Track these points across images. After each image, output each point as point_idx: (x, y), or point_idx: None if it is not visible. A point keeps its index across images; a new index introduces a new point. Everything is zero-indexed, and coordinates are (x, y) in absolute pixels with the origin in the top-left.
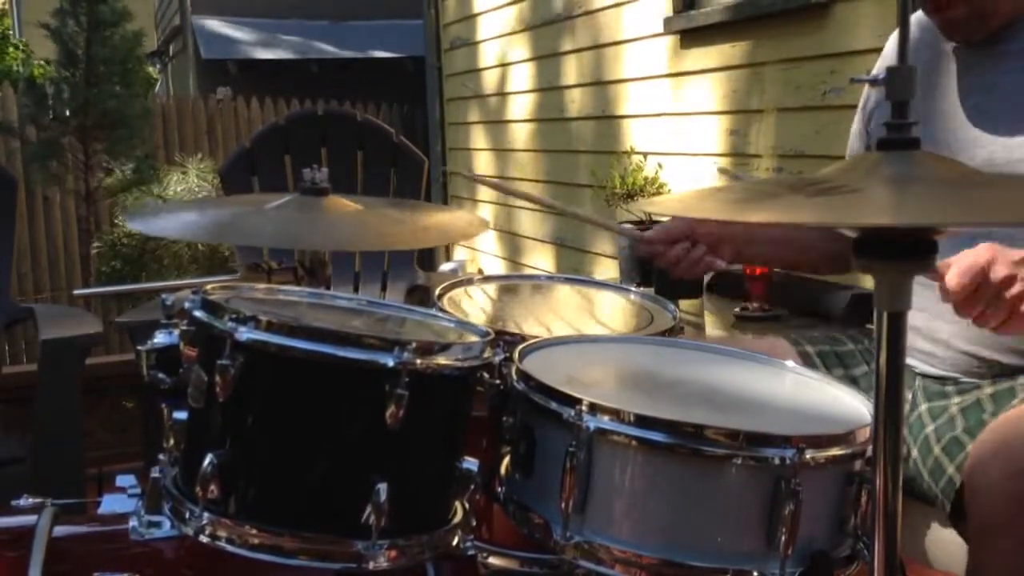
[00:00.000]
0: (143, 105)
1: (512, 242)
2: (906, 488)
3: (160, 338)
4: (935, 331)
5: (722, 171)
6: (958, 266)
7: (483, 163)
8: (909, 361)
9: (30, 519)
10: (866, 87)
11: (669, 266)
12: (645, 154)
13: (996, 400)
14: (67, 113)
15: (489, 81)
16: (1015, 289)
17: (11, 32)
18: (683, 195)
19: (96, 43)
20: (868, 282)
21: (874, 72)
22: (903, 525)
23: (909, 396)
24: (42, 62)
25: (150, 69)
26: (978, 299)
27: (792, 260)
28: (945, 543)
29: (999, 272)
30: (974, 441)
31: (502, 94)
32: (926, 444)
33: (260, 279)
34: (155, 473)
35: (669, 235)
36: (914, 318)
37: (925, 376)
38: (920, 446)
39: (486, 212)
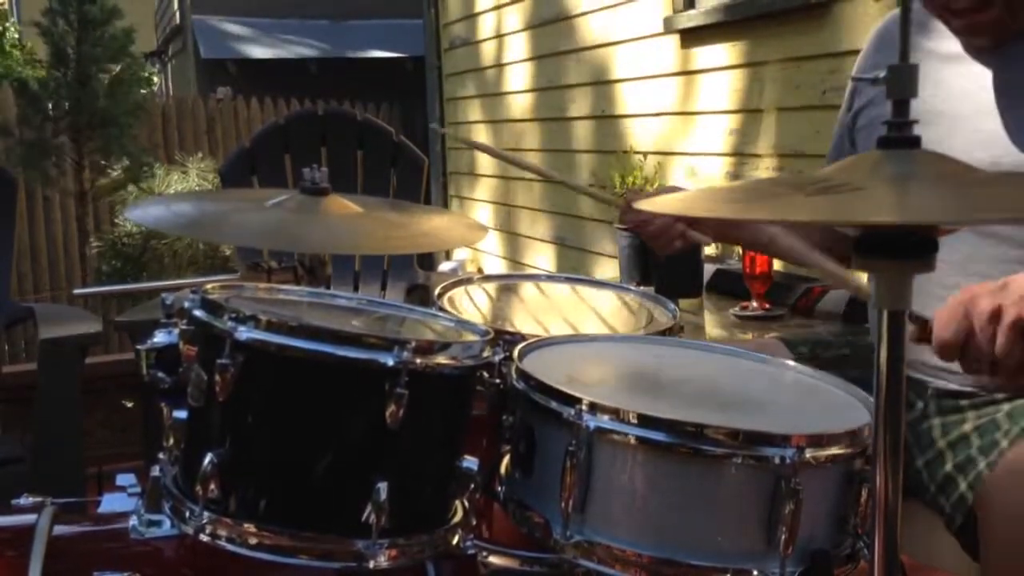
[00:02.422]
0: (135, 102)
1: (512, 241)
2: (910, 491)
3: (160, 337)
4: None
5: None
6: (938, 319)
7: (483, 161)
8: (922, 377)
9: (30, 518)
10: (853, 83)
11: (652, 238)
12: (645, 153)
13: (1012, 417)
14: (61, 112)
15: (489, 80)
16: (1008, 317)
17: (13, 33)
18: (683, 194)
19: (86, 42)
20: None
21: (855, 68)
22: (904, 525)
23: (920, 406)
24: (36, 62)
25: (148, 68)
26: (977, 347)
27: (771, 245)
28: (946, 544)
29: (982, 306)
30: (987, 461)
31: (502, 93)
32: (939, 460)
33: (260, 279)
34: (155, 472)
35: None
36: None
37: (939, 391)
38: (930, 458)
39: (486, 211)
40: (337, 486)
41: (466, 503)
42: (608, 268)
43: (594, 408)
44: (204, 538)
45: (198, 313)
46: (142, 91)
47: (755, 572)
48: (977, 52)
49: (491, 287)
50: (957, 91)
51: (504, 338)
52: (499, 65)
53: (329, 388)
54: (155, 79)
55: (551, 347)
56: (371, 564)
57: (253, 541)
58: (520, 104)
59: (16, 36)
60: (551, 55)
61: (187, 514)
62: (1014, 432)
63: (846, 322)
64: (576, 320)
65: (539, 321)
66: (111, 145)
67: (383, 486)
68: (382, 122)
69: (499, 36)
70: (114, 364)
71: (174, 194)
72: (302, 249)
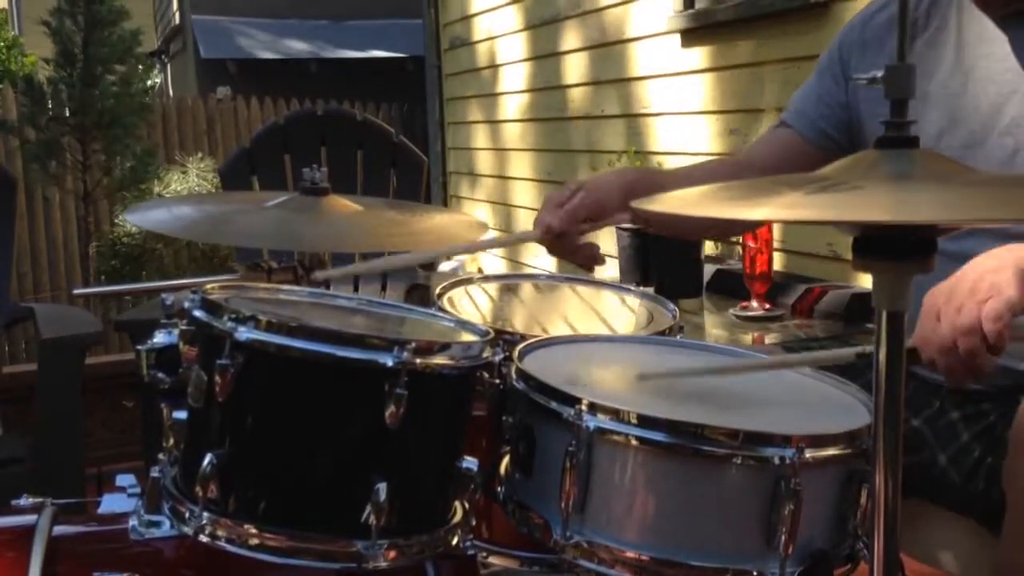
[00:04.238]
0: (140, 103)
1: None
2: (932, 494)
3: (160, 338)
4: None
5: None
6: (919, 340)
7: (483, 162)
8: (936, 377)
9: (30, 519)
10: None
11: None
12: (645, 153)
13: None
14: (65, 112)
15: (489, 80)
16: (976, 310)
17: (12, 31)
18: (682, 194)
19: (93, 43)
20: (867, 281)
21: (842, 31)
22: (915, 530)
23: (937, 404)
24: (41, 61)
25: (149, 69)
26: (962, 343)
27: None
28: (958, 548)
29: (947, 307)
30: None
31: (502, 93)
32: (965, 450)
33: (260, 279)
34: (155, 473)
35: (574, 218)
36: None
37: (953, 389)
38: (955, 452)
39: (485, 211)
40: (337, 486)
41: (466, 503)
42: (608, 268)
43: (594, 408)
44: (204, 539)
45: (198, 313)
46: (145, 93)
47: (755, 572)
48: (997, 20)
49: (491, 287)
50: (1000, 53)
51: (504, 338)
52: (499, 65)
53: (329, 388)
54: (156, 80)
55: (551, 347)
56: (370, 565)
57: (253, 542)
58: (520, 104)
59: (15, 33)
60: (551, 55)
61: (187, 515)
62: None
63: (846, 323)
64: (576, 320)
65: (539, 321)
66: (116, 146)
67: (383, 486)
68: (382, 122)
69: (499, 36)
70: (114, 364)
71: (175, 197)
72: (302, 248)
